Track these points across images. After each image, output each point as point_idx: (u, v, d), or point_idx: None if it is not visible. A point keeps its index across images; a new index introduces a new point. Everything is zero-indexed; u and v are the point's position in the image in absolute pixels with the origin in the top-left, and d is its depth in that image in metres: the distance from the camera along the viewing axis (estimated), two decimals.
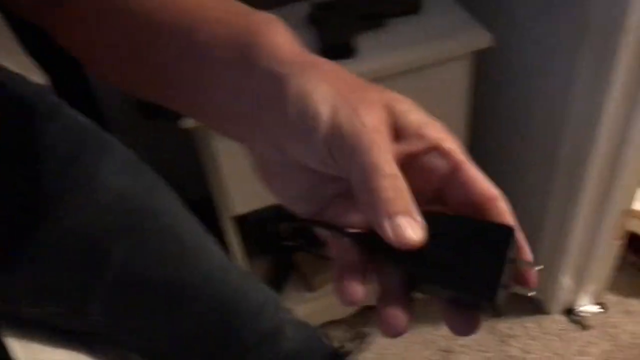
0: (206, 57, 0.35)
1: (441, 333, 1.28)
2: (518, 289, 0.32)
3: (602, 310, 1.30)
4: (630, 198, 1.11)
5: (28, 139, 0.53)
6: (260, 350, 0.70)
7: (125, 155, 0.62)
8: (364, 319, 1.31)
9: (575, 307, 1.30)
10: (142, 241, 0.60)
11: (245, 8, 0.36)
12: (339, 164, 0.31)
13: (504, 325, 1.29)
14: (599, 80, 0.91)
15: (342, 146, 0.31)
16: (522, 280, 0.32)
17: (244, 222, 1.10)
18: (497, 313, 0.31)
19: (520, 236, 0.32)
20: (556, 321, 1.30)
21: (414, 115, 0.33)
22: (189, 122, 0.84)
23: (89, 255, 0.56)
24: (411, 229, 0.30)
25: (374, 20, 0.94)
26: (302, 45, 0.35)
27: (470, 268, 0.30)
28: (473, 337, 1.29)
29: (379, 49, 0.91)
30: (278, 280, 1.30)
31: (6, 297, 0.55)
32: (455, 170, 0.32)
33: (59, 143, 0.56)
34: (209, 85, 0.35)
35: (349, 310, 1.24)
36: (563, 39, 0.96)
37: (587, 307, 1.30)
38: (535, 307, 1.33)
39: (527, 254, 0.33)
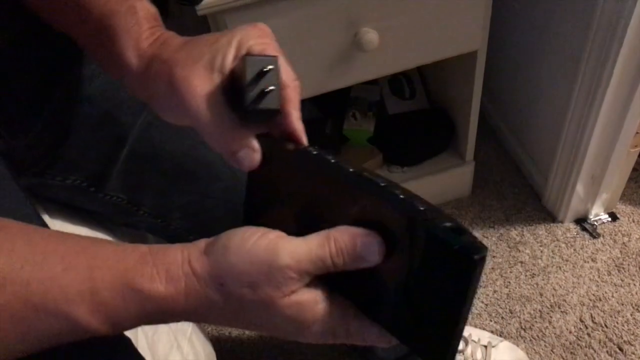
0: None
1: None
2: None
3: (613, 219, 1.30)
4: None
5: None
6: None
7: None
8: None
9: (587, 216, 1.31)
10: (158, 117, 0.59)
11: None
12: None
13: (515, 233, 1.30)
14: None
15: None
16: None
17: None
18: None
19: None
20: (567, 229, 1.30)
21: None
22: (204, 9, 0.81)
23: (107, 126, 0.56)
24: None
25: None
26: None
27: None
28: (484, 243, 1.31)
29: None
30: None
31: (36, 168, 0.56)
32: None
33: None
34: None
35: None
36: None
37: (598, 216, 1.31)
38: (546, 216, 1.34)
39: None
